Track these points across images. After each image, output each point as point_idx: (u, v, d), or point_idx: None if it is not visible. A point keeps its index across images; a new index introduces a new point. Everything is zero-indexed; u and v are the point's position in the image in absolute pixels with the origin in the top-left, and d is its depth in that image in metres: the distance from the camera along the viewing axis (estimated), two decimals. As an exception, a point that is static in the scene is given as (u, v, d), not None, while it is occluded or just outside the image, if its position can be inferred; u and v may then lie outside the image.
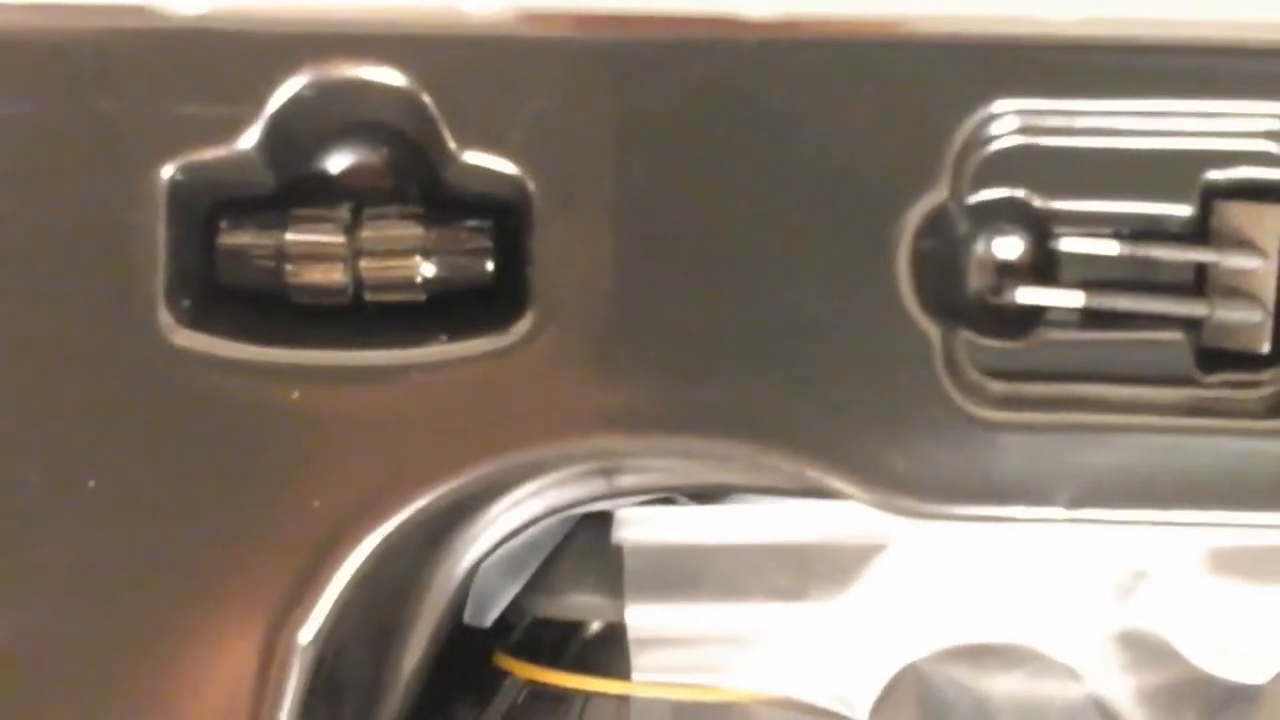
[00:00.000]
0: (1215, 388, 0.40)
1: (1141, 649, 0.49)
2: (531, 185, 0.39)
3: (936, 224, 0.39)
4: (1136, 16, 0.39)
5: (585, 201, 0.39)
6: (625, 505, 0.49)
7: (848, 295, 0.39)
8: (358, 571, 0.40)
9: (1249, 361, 0.40)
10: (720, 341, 0.39)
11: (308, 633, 0.40)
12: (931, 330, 0.39)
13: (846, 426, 0.39)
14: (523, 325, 0.39)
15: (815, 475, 0.39)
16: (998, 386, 0.39)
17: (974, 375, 0.39)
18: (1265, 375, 0.40)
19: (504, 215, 0.41)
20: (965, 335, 0.40)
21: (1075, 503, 0.39)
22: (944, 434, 0.39)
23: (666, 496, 0.49)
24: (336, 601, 0.40)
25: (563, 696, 0.50)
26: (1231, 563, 0.48)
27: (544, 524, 0.48)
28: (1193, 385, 0.40)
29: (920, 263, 0.39)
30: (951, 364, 0.39)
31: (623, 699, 0.50)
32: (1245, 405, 0.39)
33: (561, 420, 0.40)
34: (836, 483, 0.39)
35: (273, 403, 0.40)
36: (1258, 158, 0.39)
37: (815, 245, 0.39)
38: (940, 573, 0.49)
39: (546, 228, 0.39)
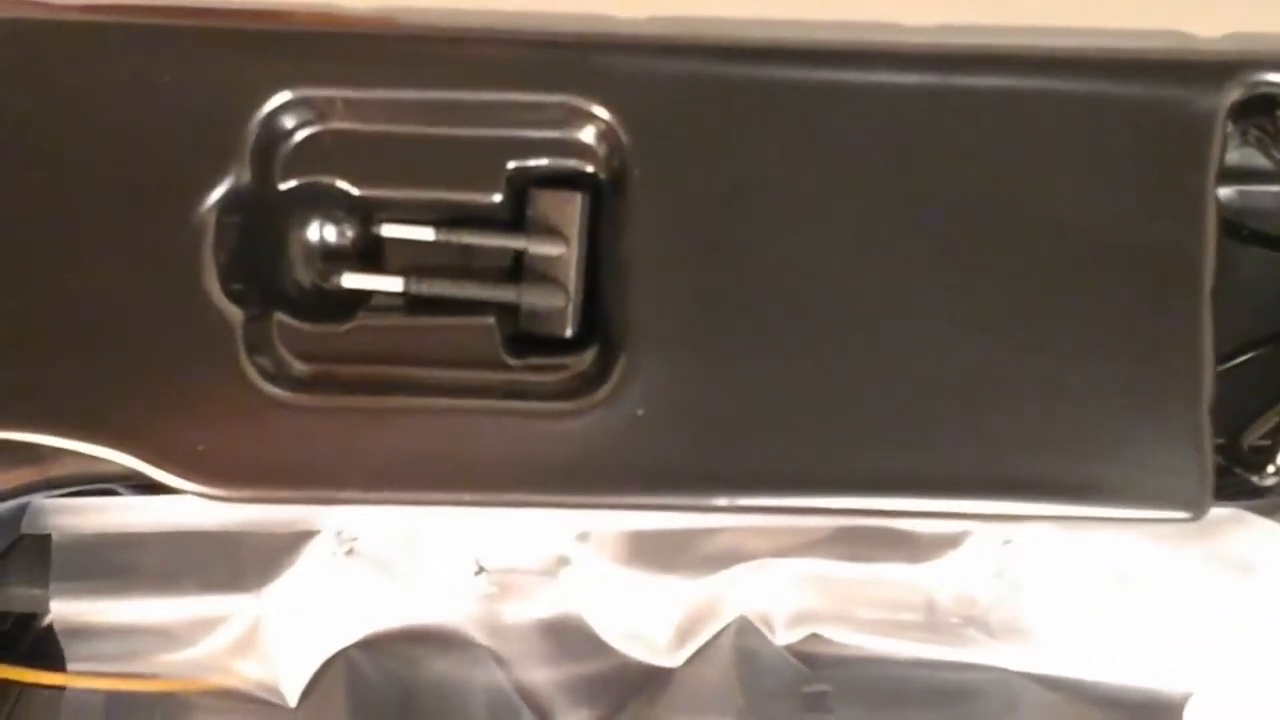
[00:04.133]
0: (522, 371, 0.40)
1: (563, 635, 0.49)
2: None
3: (244, 210, 0.39)
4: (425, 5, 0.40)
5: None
6: (61, 495, 0.49)
7: (152, 283, 0.39)
8: None
9: (558, 346, 0.41)
10: (31, 330, 0.39)
11: None
12: (235, 314, 0.39)
13: (149, 414, 0.39)
14: None
15: (128, 464, 0.40)
16: (304, 369, 0.40)
17: (282, 359, 0.40)
18: (567, 359, 0.40)
19: None
20: (280, 319, 0.40)
21: (371, 484, 0.39)
22: (245, 418, 0.39)
23: (107, 487, 0.49)
24: None
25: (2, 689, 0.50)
26: (645, 548, 0.49)
27: (-5, 515, 0.48)
28: (501, 369, 0.40)
29: (228, 249, 0.39)
30: (255, 348, 0.39)
31: (58, 689, 0.50)
32: (546, 388, 0.40)
33: None
34: (147, 470, 0.39)
35: None
36: (555, 146, 0.40)
37: (118, 233, 0.39)
38: (375, 557, 0.49)
39: None
